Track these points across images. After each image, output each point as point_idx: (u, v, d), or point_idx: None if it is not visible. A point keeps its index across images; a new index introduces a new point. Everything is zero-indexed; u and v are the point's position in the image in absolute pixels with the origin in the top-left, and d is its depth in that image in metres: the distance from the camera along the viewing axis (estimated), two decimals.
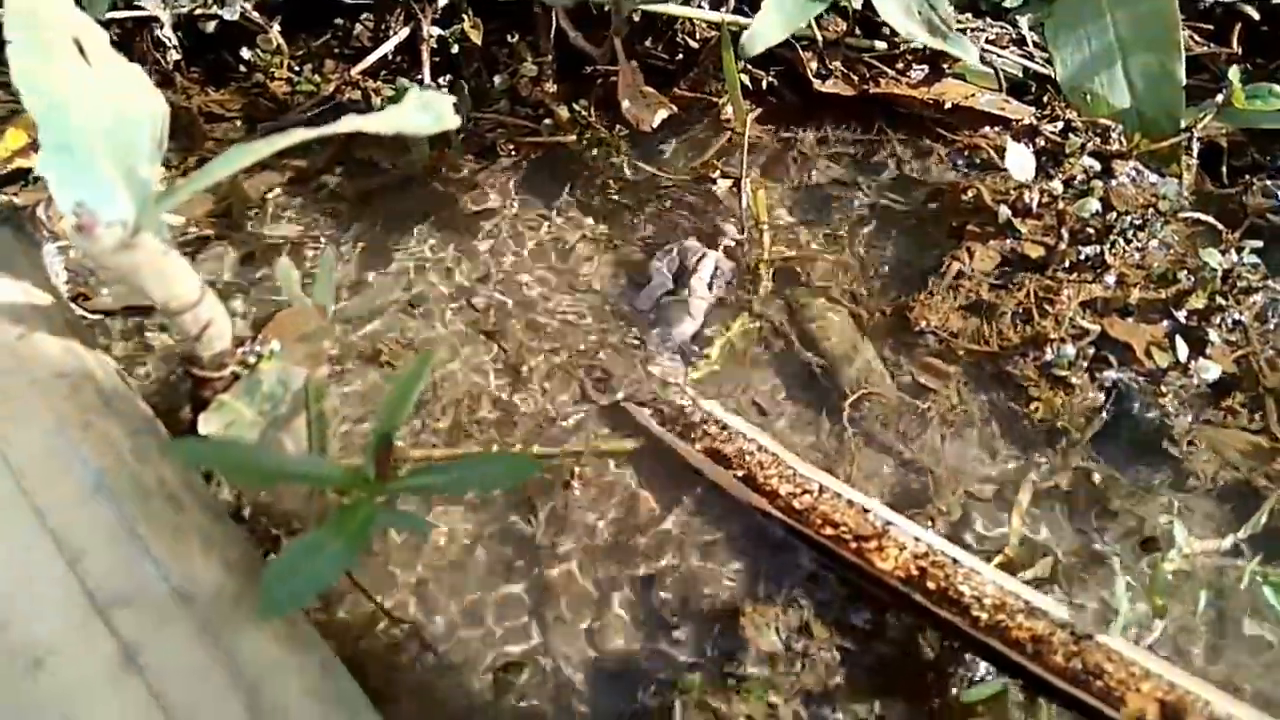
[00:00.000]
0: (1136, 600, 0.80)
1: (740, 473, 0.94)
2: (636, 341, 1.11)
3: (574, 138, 1.31)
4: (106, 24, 1.17)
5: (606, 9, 1.34)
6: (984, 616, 0.79)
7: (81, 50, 0.75)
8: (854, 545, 0.86)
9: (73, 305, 1.03)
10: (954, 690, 0.83)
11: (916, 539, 0.85)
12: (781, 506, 0.91)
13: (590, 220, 1.25)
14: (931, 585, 0.81)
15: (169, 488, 0.71)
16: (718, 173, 1.29)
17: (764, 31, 1.09)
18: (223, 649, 0.61)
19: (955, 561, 0.82)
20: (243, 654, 0.62)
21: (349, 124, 0.61)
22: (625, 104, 1.25)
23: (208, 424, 0.80)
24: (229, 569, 0.67)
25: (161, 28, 1.33)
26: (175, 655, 0.59)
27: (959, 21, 1.23)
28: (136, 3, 1.32)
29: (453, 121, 0.64)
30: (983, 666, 0.83)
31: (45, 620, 0.60)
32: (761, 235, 1.20)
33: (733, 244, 1.20)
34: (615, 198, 1.28)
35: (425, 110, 0.64)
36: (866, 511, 0.88)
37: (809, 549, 0.91)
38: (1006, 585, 0.80)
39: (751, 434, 0.97)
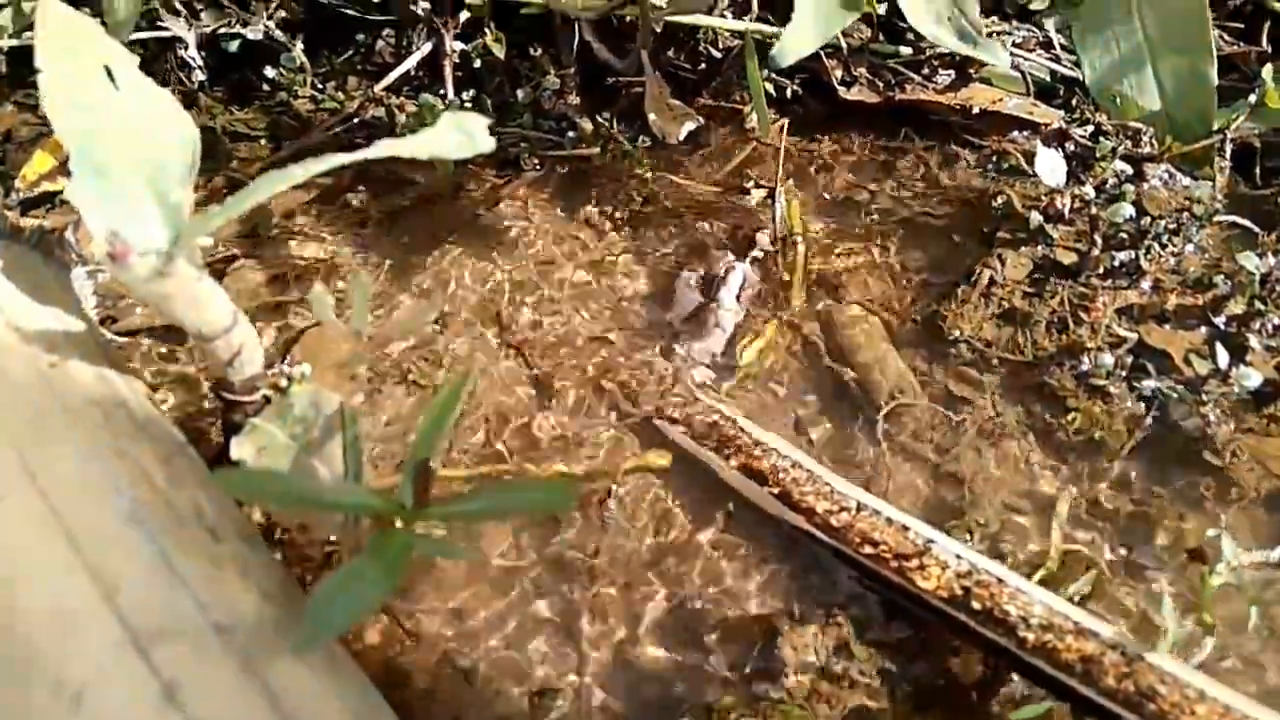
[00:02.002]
0: (1184, 619, 0.78)
1: (775, 489, 0.92)
2: (666, 355, 1.10)
3: (598, 150, 1.31)
4: (131, 45, 1.17)
5: (630, 20, 1.33)
6: (1031, 637, 0.77)
7: (112, 77, 0.75)
8: (894, 564, 0.84)
9: (101, 329, 1.03)
10: (999, 711, 0.81)
11: (959, 557, 0.83)
12: (819, 524, 0.89)
13: (616, 233, 1.24)
14: (976, 605, 0.80)
15: (204, 516, 0.70)
16: (751, 183, 1.27)
17: (795, 43, 1.07)
18: (261, 680, 0.61)
19: (1000, 581, 0.81)
20: (281, 684, 0.61)
21: (383, 148, 0.61)
22: (652, 117, 1.24)
23: (240, 448, 0.80)
24: (266, 598, 0.67)
25: (186, 48, 1.33)
26: (215, 689, 0.59)
27: (985, 25, 1.22)
28: (161, 24, 1.33)
29: (487, 144, 0.63)
30: (1030, 688, 0.81)
31: (83, 654, 0.60)
32: (795, 246, 1.19)
33: (761, 255, 1.19)
34: (641, 209, 1.27)
35: (459, 132, 0.63)
36: (906, 529, 0.86)
37: (848, 567, 0.90)
38: (1054, 605, 0.79)
39: (785, 449, 0.96)
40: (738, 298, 1.14)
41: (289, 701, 0.61)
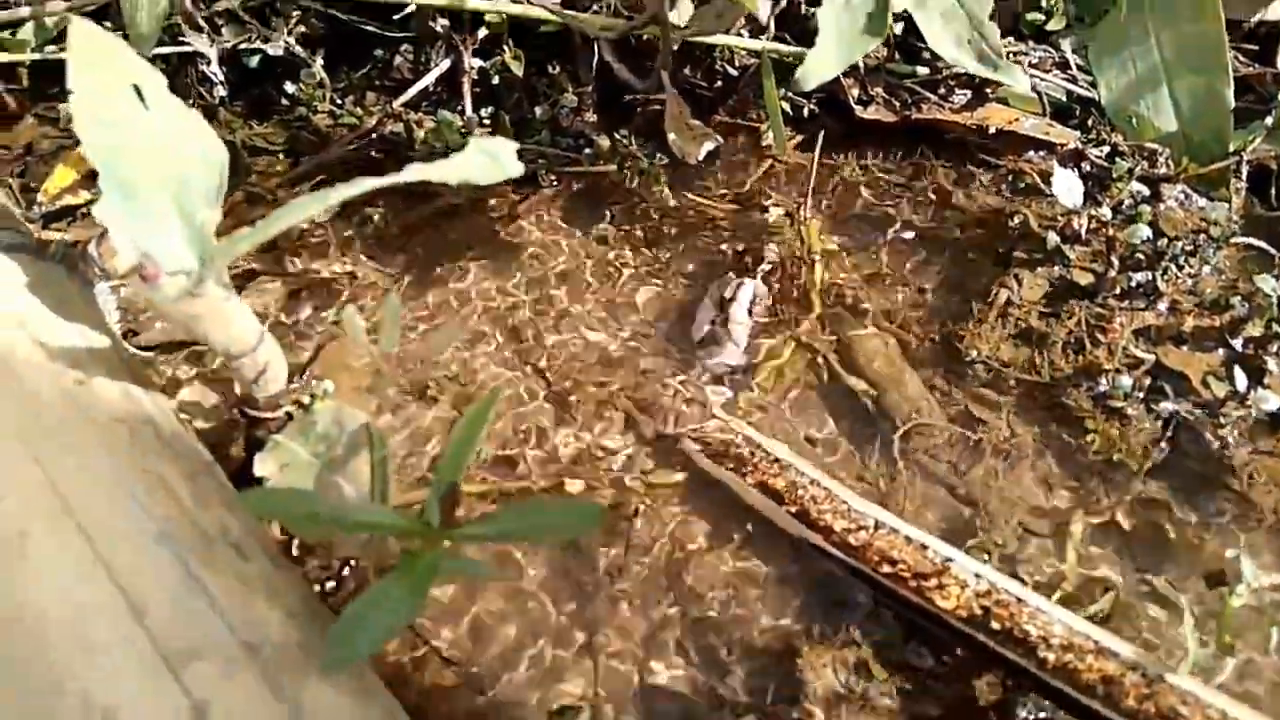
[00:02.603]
0: (1206, 640, 0.78)
1: (793, 507, 0.92)
2: (683, 372, 1.10)
3: (615, 167, 1.31)
4: (152, 60, 1.18)
5: (647, 38, 1.34)
6: (1051, 657, 0.77)
7: (141, 96, 0.76)
8: (913, 583, 0.84)
9: (125, 343, 1.04)
10: None
11: (978, 576, 0.83)
12: (837, 542, 0.89)
13: (633, 249, 1.25)
14: (996, 625, 0.80)
15: (231, 534, 0.71)
16: (771, 200, 1.28)
17: (818, 68, 1.08)
18: (289, 701, 0.61)
19: (1020, 600, 0.81)
20: (308, 705, 0.62)
21: (415, 173, 0.61)
22: (672, 136, 1.24)
23: (263, 465, 0.80)
24: (292, 616, 0.67)
25: (208, 63, 1.34)
26: (244, 710, 0.59)
27: (1002, 46, 1.22)
28: (182, 39, 1.34)
29: (515, 169, 0.64)
30: (1050, 708, 0.81)
31: (114, 676, 0.60)
32: (813, 264, 1.19)
33: (769, 268, 1.19)
34: (657, 226, 1.27)
35: (488, 157, 0.64)
36: (925, 548, 0.86)
37: (866, 586, 0.90)
38: (1075, 625, 0.79)
39: (803, 467, 0.96)
40: (749, 313, 1.14)
41: None
